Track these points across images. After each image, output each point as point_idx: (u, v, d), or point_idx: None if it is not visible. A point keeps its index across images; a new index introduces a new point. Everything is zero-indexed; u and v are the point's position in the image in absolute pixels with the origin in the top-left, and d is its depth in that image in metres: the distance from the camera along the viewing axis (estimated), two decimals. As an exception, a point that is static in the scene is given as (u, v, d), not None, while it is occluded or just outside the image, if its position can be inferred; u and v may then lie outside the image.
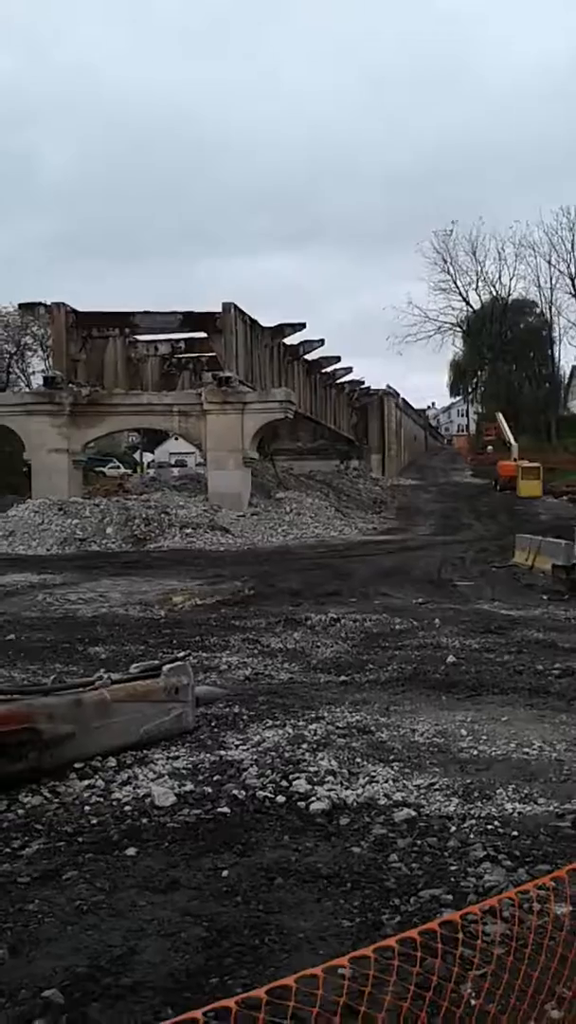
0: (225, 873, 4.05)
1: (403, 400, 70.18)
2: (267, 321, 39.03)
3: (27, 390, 45.75)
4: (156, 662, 6.87)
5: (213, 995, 2.92)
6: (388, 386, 64.15)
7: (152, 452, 75.17)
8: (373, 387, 60.63)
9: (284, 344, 41.27)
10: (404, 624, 11.95)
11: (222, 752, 5.90)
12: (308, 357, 44.97)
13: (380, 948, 1.97)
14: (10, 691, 6.14)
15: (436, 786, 5.21)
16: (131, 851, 4.34)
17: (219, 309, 35.11)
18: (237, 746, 6.05)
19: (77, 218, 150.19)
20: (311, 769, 5.48)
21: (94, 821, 4.75)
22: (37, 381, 46.09)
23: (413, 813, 4.76)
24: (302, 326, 41.21)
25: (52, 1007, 3.02)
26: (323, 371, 48.43)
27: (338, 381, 52.44)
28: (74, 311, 36.16)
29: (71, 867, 4.16)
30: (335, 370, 50.61)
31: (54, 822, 4.75)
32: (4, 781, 5.07)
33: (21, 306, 40.76)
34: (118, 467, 54.93)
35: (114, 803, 5.02)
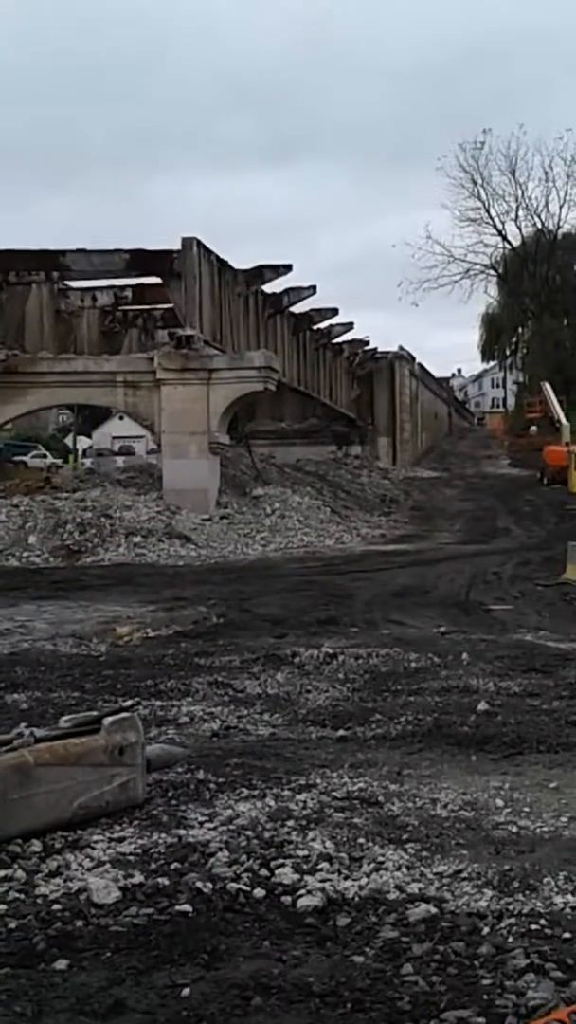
0: (186, 992, 4.06)
1: (420, 366, 70.61)
2: (242, 262, 39.19)
3: None
4: (95, 714, 6.88)
5: None
6: (400, 348, 64.59)
7: (89, 436, 75.29)
8: (381, 349, 60.97)
9: (264, 293, 41.47)
10: (422, 661, 12.00)
11: (182, 832, 5.92)
12: (295, 310, 45.19)
13: None
14: None
15: (464, 874, 5.23)
16: (61, 964, 4.34)
17: (177, 246, 35.13)
18: (202, 823, 6.06)
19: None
20: (299, 853, 5.51)
21: (12, 925, 4.75)
22: None
23: (434, 910, 4.78)
24: (288, 268, 41.40)
25: None
26: (315, 328, 48.66)
27: (335, 341, 52.72)
28: (-15, 249, 36.13)
29: (-18, 986, 4.16)
30: (331, 327, 50.92)
31: (-41, 926, 4.74)
32: None
33: None
34: (44, 456, 54.99)
35: (39, 900, 5.02)
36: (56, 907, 4.95)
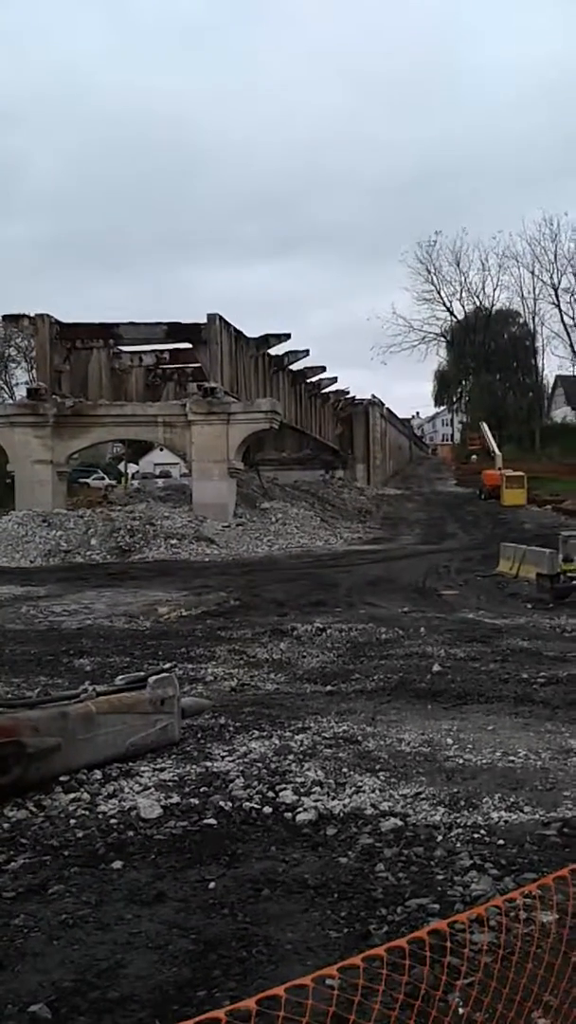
0: (212, 885, 4.04)
1: (388, 410, 70.40)
2: (252, 332, 39.14)
3: (11, 402, 45.63)
4: (141, 674, 6.85)
5: (201, 1008, 2.91)
6: (373, 396, 64.37)
7: (136, 463, 75.00)
8: (358, 397, 60.83)
9: (269, 355, 41.37)
10: (390, 633, 11.96)
11: (208, 764, 5.89)
12: (293, 367, 45.11)
13: (369, 957, 1.97)
14: (-5, 704, 6.12)
15: (423, 795, 5.22)
16: (117, 864, 4.32)
17: (204, 320, 35.15)
18: (223, 757, 6.04)
19: (60, 226, 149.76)
20: (298, 780, 5.48)
21: (80, 834, 4.73)
22: (21, 393, 46.02)
23: (400, 823, 4.76)
24: (287, 336, 41.35)
25: (39, 1022, 3.01)
26: (308, 381, 48.56)
27: (323, 391, 52.60)
28: (58, 322, 36.12)
29: (57, 881, 4.14)
30: (320, 380, 50.77)
31: (39, 836, 4.72)
32: (-11, 795, 5.04)
33: (4, 318, 40.65)
34: (102, 478, 54.78)
35: (100, 816, 5.00)
36: (113, 821, 4.93)
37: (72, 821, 4.92)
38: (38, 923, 3.73)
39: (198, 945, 3.48)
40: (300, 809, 4.98)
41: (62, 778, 5.49)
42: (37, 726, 5.40)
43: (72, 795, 5.31)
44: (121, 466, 64.41)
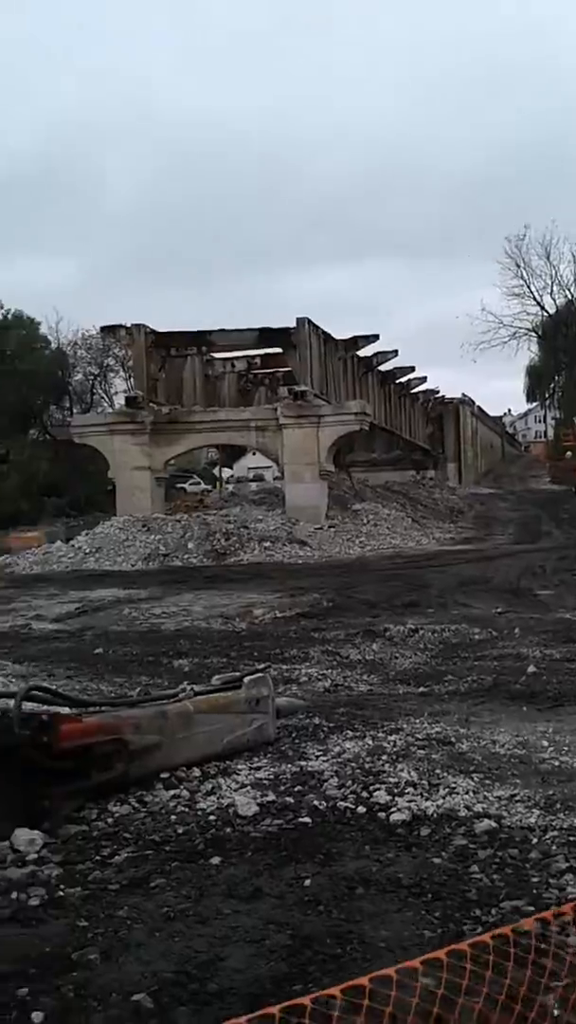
0: (307, 882, 4.09)
1: (479, 408, 69.38)
2: (340, 334, 39.13)
3: (110, 410, 46.80)
4: (237, 674, 6.95)
5: (297, 1002, 2.96)
6: (463, 394, 63.58)
7: (231, 467, 75.91)
8: (448, 396, 60.14)
9: (358, 356, 41.27)
10: (483, 634, 11.80)
11: (303, 763, 5.94)
12: (382, 368, 44.89)
13: (454, 952, 1.98)
14: (99, 703, 6.32)
15: (517, 798, 5.15)
16: (216, 860, 4.42)
17: (293, 324, 35.34)
18: (317, 757, 6.07)
19: (142, 242, 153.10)
20: (391, 780, 5.48)
21: (180, 830, 4.85)
22: (119, 401, 47.15)
23: (494, 824, 4.71)
24: (375, 338, 41.18)
25: (142, 1011, 3.11)
26: (397, 381, 48.26)
27: (413, 391, 52.18)
28: (153, 331, 36.86)
29: (159, 875, 4.26)
30: (409, 380, 50.38)
31: (142, 831, 4.86)
32: (94, 790, 5.22)
33: (103, 329, 41.80)
34: (198, 483, 55.74)
35: (199, 812, 5.11)
36: (211, 817, 5.03)
37: (172, 817, 5.05)
38: (141, 915, 3.85)
39: (294, 941, 3.54)
40: (394, 809, 4.98)
41: (162, 775, 5.62)
42: (139, 724, 5.55)
43: (172, 792, 5.43)
44: (216, 471, 65.33)
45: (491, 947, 1.97)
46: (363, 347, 41.03)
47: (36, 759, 4.81)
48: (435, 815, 4.90)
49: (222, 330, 37.22)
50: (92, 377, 60.02)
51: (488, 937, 1.99)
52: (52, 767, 4.91)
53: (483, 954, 2.02)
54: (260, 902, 3.91)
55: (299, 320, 35.25)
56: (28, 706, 5.10)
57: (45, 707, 5.32)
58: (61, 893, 4.11)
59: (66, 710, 5.40)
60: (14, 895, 4.10)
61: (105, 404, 57.16)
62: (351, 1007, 1.77)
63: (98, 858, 4.51)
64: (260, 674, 6.71)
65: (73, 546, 30.31)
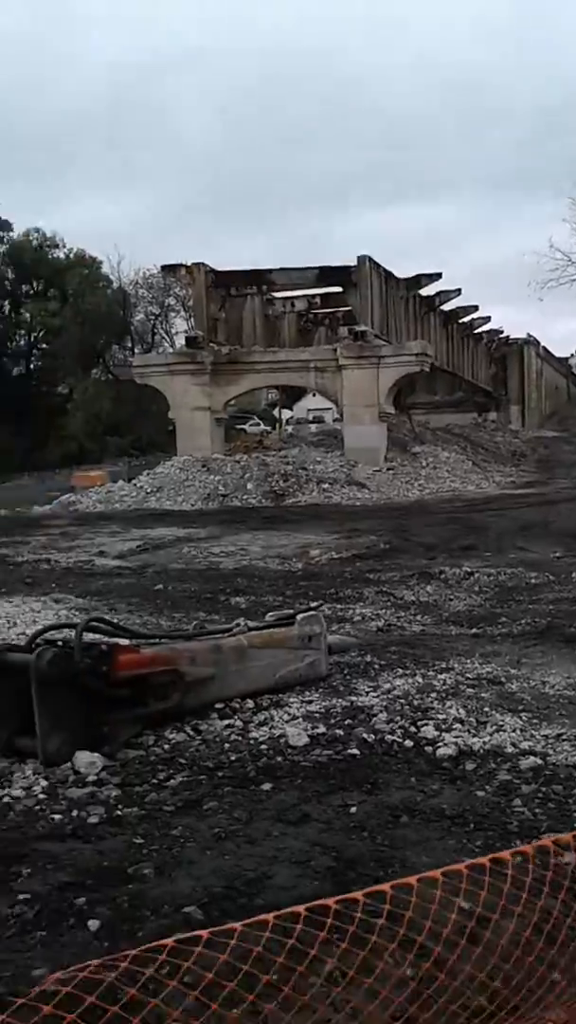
0: (353, 810, 4.22)
1: (544, 349, 67.54)
2: (402, 272, 38.39)
3: (171, 350, 46.94)
4: (290, 611, 7.08)
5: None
6: (528, 334, 61.84)
7: (290, 409, 75.63)
8: (512, 336, 58.66)
9: (420, 295, 40.50)
10: (540, 578, 11.73)
11: (353, 698, 6.06)
12: (444, 308, 43.97)
13: (496, 860, 2.07)
14: (156, 635, 6.52)
15: (564, 736, 5.19)
16: (266, 786, 4.58)
17: (354, 263, 34.77)
18: (367, 693, 6.18)
19: (208, 176, 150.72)
20: (439, 716, 5.56)
21: (233, 757, 5.03)
22: (180, 341, 47.26)
23: (539, 762, 4.78)
24: (438, 276, 40.31)
25: (192, 922, 3.28)
26: (460, 321, 47.25)
27: (475, 331, 51.06)
28: (213, 271, 36.65)
29: (211, 798, 4.44)
30: (472, 320, 49.28)
31: (196, 757, 5.05)
32: (151, 718, 5.42)
33: (163, 268, 41.70)
34: (258, 424, 55.79)
35: (251, 742, 5.28)
36: (263, 747, 5.19)
37: (226, 745, 5.23)
38: (193, 835, 4.03)
39: (338, 863, 3.68)
40: (440, 744, 5.07)
41: (216, 706, 5.80)
42: (194, 657, 5.73)
43: (226, 721, 5.61)
44: (275, 412, 65.25)
45: (531, 856, 2.06)
46: (426, 286, 40.23)
47: (95, 687, 5.01)
48: (481, 751, 4.98)
49: (282, 269, 36.87)
50: (153, 317, 60.20)
51: (530, 848, 2.08)
52: (111, 695, 5.12)
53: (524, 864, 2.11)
54: (307, 826, 4.06)
55: (360, 258, 34.67)
56: (89, 637, 5.29)
57: (105, 638, 5.51)
58: (119, 812, 4.33)
59: (125, 642, 5.58)
60: (75, 813, 4.33)
61: (166, 344, 57.38)
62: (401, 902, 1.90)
63: (154, 781, 4.72)
64: (313, 612, 6.83)
65: (135, 485, 30.80)
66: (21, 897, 3.48)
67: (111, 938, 3.17)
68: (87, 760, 4.82)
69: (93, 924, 3.27)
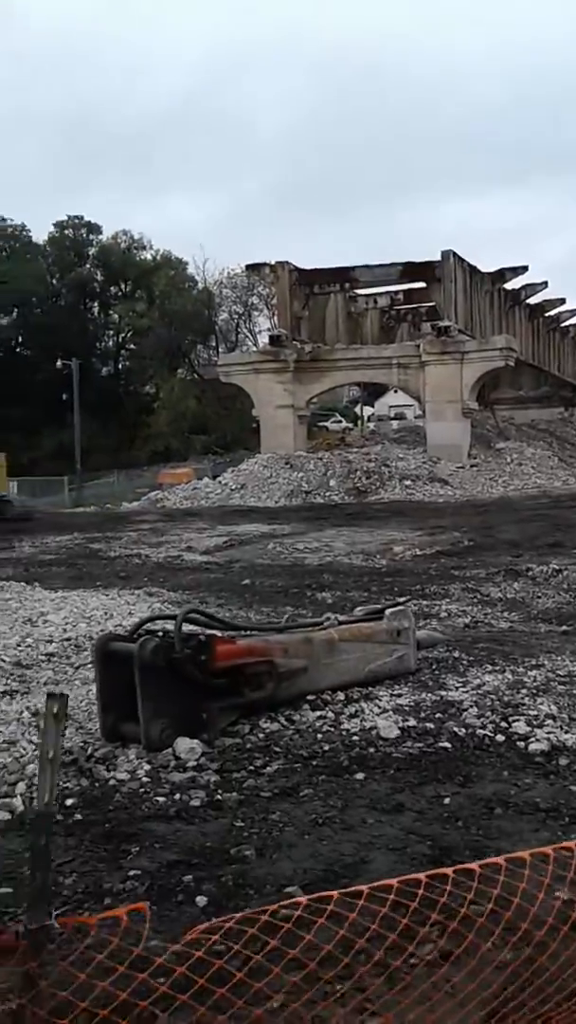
0: (447, 800, 4.28)
1: None
2: (487, 266, 37.88)
3: (254, 349, 47.36)
4: (379, 606, 7.14)
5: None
6: (617, 328, 60.04)
7: (372, 406, 75.48)
8: (601, 329, 57.01)
9: (504, 289, 39.90)
10: (631, 576, 11.49)
11: (443, 692, 6.09)
12: (530, 301, 43.18)
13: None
14: (250, 627, 6.68)
15: None
16: (360, 776, 4.67)
17: (438, 258, 34.48)
18: (457, 688, 6.20)
19: (289, 173, 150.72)
20: (531, 712, 5.55)
21: (326, 747, 5.13)
22: (263, 340, 47.63)
23: None
24: (524, 269, 39.64)
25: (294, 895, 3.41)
26: (546, 315, 46.32)
27: (562, 324, 49.97)
28: (297, 269, 36.84)
29: (307, 786, 4.56)
30: (559, 313, 48.24)
31: (290, 746, 5.18)
32: (246, 708, 5.57)
33: (248, 267, 42.18)
34: (339, 421, 55.86)
35: (343, 733, 5.38)
36: (355, 738, 5.29)
37: (319, 735, 5.34)
38: (291, 820, 4.16)
39: (434, 851, 3.75)
40: (532, 739, 5.07)
41: (308, 697, 5.91)
42: (287, 649, 5.85)
43: (318, 713, 5.72)
44: (357, 409, 65.14)
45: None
46: (510, 279, 39.61)
47: (194, 676, 5.19)
48: (575, 747, 4.96)
49: (365, 266, 36.81)
50: (237, 316, 60.79)
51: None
52: (208, 684, 5.29)
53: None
54: (402, 815, 4.14)
55: (444, 253, 34.38)
56: (185, 628, 5.48)
57: (201, 629, 5.69)
58: (219, 797, 4.49)
59: (219, 634, 5.76)
60: (177, 796, 4.51)
61: (249, 343, 57.86)
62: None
63: (251, 768, 4.86)
64: (401, 607, 6.88)
65: (220, 482, 31.29)
66: (132, 873, 3.66)
67: (218, 914, 3.31)
68: (187, 746, 5.00)
69: (201, 900, 3.43)
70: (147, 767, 4.87)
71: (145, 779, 4.74)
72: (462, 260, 35.23)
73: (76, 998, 1.97)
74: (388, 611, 6.70)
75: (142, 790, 4.62)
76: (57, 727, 1.91)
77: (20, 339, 64.27)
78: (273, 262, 37.61)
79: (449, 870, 1.91)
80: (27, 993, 1.73)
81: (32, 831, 2.08)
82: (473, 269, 36.44)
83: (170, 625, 5.49)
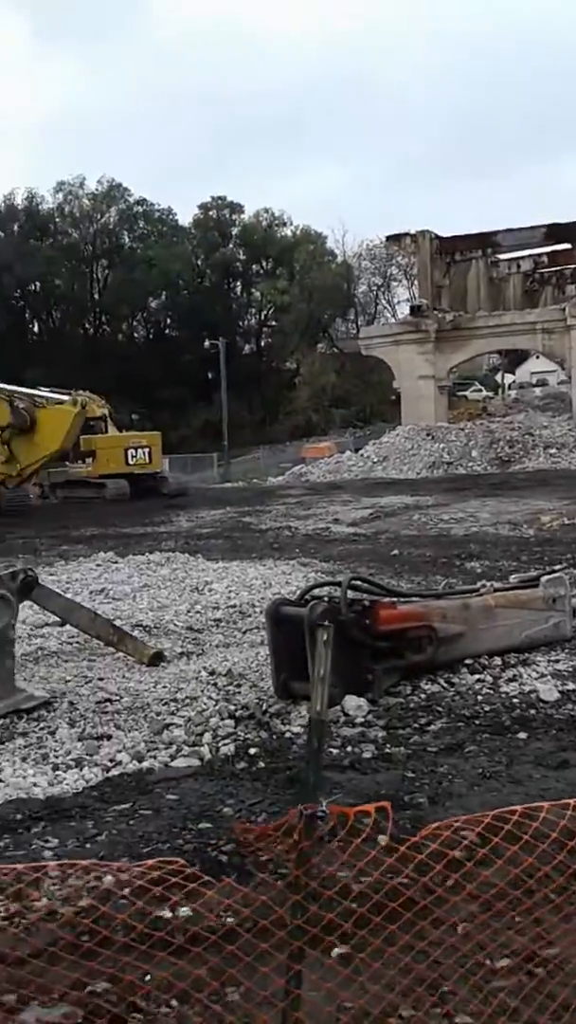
0: (611, 760, 4.38)
1: None
2: None
3: (394, 321, 46.98)
4: (534, 573, 7.18)
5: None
6: None
7: (512, 373, 73.35)
8: None
9: None
10: None
11: (602, 659, 6.11)
12: None
13: None
14: (409, 593, 6.90)
15: None
16: (522, 735, 4.83)
17: (584, 218, 33.12)
18: (617, 655, 6.21)
19: (431, 141, 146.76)
20: None
21: (487, 708, 5.31)
22: (402, 311, 47.19)
23: None
24: None
25: (471, 845, 3.63)
26: None
27: None
28: (438, 237, 36.22)
29: (471, 743, 4.76)
30: None
31: (452, 706, 5.38)
32: (408, 670, 5.81)
33: (388, 238, 41.76)
34: (480, 390, 54.64)
35: (502, 695, 5.53)
36: (515, 700, 5.43)
37: (479, 697, 5.51)
38: (459, 773, 4.37)
39: (602, 805, 3.87)
40: None
41: (466, 661, 6.08)
42: (445, 614, 6.04)
43: (476, 676, 5.89)
44: (498, 377, 63.55)
45: None
46: None
47: (360, 639, 5.46)
48: None
49: (508, 230, 35.77)
50: (376, 288, 60.39)
51: None
52: (373, 646, 5.56)
53: None
54: (568, 771, 4.28)
55: (591, 213, 32.93)
56: (350, 594, 5.75)
57: (364, 595, 5.96)
58: (388, 750, 4.75)
59: (382, 599, 6.00)
60: (349, 748, 4.80)
61: (387, 315, 57.41)
62: None
63: (416, 726, 5.10)
64: (558, 574, 6.90)
65: (361, 455, 31.43)
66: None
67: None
68: (355, 704, 5.29)
69: (382, 839, 3.70)
70: (319, 722, 5.19)
71: (318, 733, 5.06)
72: (610, 218, 33.69)
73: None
74: (544, 579, 6.74)
75: (316, 742, 4.94)
76: (326, 652, 2.23)
77: (168, 320, 66.22)
78: (413, 232, 37.11)
79: None
80: (302, 867, 2.05)
81: (309, 733, 2.41)
82: (623, 228, 34.77)
83: (336, 591, 5.78)
